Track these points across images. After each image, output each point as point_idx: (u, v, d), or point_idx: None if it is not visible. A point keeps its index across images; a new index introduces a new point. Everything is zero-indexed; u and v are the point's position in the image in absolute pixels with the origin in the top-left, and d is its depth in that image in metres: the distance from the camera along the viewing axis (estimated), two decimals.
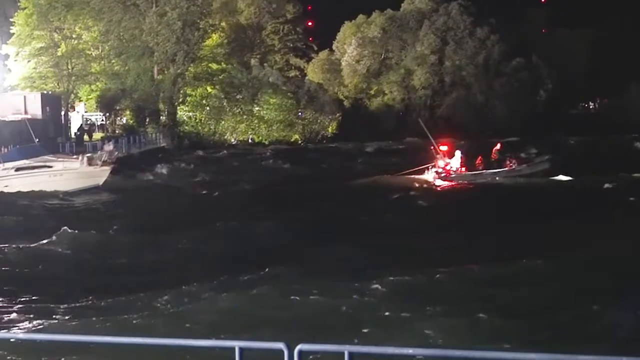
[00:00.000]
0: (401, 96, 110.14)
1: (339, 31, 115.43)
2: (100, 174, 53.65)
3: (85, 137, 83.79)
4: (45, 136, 73.12)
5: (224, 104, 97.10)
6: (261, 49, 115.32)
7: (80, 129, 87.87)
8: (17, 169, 52.19)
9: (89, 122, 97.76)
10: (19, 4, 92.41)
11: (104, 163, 55.08)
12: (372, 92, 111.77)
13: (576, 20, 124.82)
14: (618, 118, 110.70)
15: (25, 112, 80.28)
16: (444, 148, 57.35)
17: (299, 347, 8.53)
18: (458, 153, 56.87)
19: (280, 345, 8.60)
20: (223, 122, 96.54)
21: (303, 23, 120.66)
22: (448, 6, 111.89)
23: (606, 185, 50.40)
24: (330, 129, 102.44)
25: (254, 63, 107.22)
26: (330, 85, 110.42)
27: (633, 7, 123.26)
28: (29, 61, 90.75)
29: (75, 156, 57.99)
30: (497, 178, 54.97)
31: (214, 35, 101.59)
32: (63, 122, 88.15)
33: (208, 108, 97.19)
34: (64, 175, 52.73)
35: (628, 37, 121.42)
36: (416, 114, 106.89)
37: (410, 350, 9.23)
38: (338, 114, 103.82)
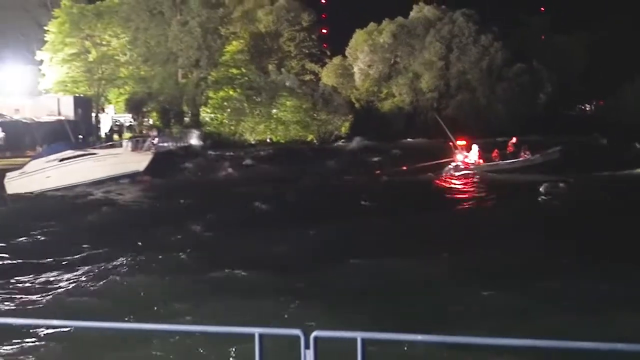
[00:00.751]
0: (410, 99, 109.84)
1: (351, 38, 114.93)
2: (143, 159, 53.38)
3: (115, 137, 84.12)
4: (77, 136, 73.54)
5: (244, 106, 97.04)
6: (278, 54, 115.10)
7: (110, 129, 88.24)
8: (62, 159, 52.10)
9: (117, 123, 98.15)
10: (52, 13, 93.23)
11: (148, 148, 55.07)
12: (382, 94, 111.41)
13: (573, 26, 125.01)
14: (612, 118, 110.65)
15: (59, 114, 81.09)
16: (462, 143, 57.86)
17: (314, 333, 8.49)
18: (475, 147, 57.51)
19: (297, 331, 8.54)
20: (243, 123, 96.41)
21: (317, 30, 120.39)
22: (453, 15, 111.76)
23: None
24: (343, 129, 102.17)
25: (271, 68, 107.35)
26: (343, 89, 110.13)
27: (626, 13, 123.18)
28: (61, 66, 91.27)
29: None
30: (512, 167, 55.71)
31: (234, 42, 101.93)
32: (94, 123, 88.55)
33: (229, 110, 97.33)
34: (108, 160, 52.59)
35: (622, 41, 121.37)
36: (424, 115, 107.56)
37: (419, 337, 9.19)
38: (350, 116, 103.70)
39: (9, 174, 52.00)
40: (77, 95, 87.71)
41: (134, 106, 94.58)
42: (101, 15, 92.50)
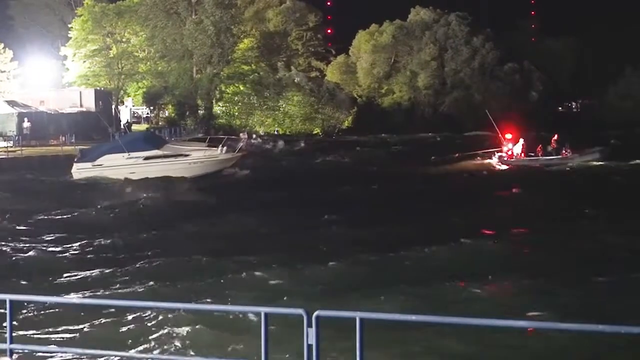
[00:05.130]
0: (408, 95, 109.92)
1: (354, 38, 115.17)
2: (234, 159, 52.38)
3: (133, 127, 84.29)
4: (98, 127, 73.40)
5: (254, 100, 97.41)
6: (287, 52, 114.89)
7: (127, 123, 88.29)
8: (146, 158, 50.46)
9: (135, 115, 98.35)
10: (76, 11, 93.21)
11: (240, 150, 54.60)
12: (383, 91, 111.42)
13: (561, 30, 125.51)
14: (597, 116, 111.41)
15: (81, 106, 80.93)
16: (509, 136, 58.37)
17: (316, 312, 8.57)
18: (521, 141, 57.96)
19: (300, 311, 8.65)
20: (253, 116, 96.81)
21: (323, 30, 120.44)
22: (448, 17, 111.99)
23: None
24: (346, 123, 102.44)
25: (280, 65, 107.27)
26: (347, 85, 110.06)
27: (611, 17, 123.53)
28: (84, 61, 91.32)
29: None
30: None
31: (245, 40, 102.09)
32: (113, 114, 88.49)
33: (240, 104, 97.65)
34: (203, 162, 51.39)
35: (607, 44, 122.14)
36: (421, 110, 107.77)
37: (413, 317, 9.50)
38: (353, 110, 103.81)
39: (77, 165, 50.10)
40: (98, 88, 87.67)
41: (151, 99, 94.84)
42: (121, 14, 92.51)
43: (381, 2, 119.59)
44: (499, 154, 57.91)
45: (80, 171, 49.42)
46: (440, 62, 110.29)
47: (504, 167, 56.47)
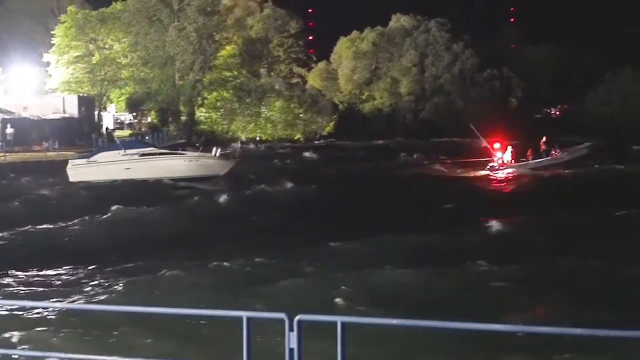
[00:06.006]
0: (389, 101, 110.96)
1: (335, 45, 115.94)
2: (227, 165, 53.28)
3: (116, 133, 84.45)
4: (81, 132, 73.54)
5: (236, 106, 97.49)
6: (268, 59, 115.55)
7: (107, 129, 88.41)
8: (142, 155, 51.77)
9: (118, 121, 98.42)
10: (59, 18, 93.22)
11: (233, 157, 55.29)
12: (364, 97, 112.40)
13: (541, 37, 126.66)
14: (575, 122, 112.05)
15: (64, 112, 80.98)
16: (497, 145, 58.97)
17: (298, 317, 8.50)
18: (509, 149, 58.65)
19: (282, 315, 8.54)
20: (235, 122, 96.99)
21: (304, 37, 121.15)
22: (428, 24, 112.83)
23: None
24: (327, 129, 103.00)
25: (262, 71, 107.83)
26: (328, 91, 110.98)
27: (589, 25, 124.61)
28: (67, 68, 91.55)
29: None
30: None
31: (227, 47, 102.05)
32: (96, 120, 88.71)
33: (222, 110, 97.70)
34: (199, 161, 52.63)
35: (585, 51, 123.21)
36: (402, 116, 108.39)
37: (394, 321, 9.26)
38: (334, 116, 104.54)
39: (72, 162, 51.34)
40: (81, 94, 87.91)
41: (134, 105, 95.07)
42: (104, 21, 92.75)
43: (362, 9, 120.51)
44: (491, 164, 58.21)
45: (75, 167, 50.29)
46: (421, 68, 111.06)
47: (499, 175, 56.71)
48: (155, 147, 56.95)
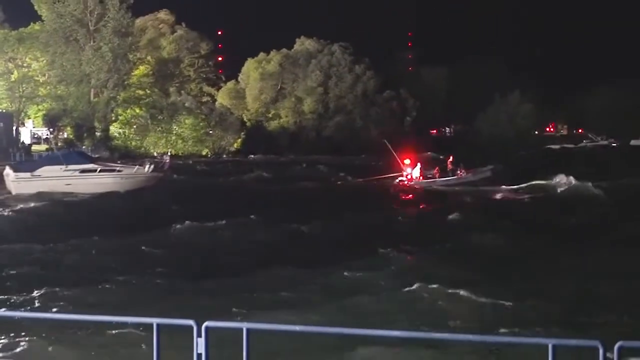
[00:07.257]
0: (294, 119, 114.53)
1: (243, 65, 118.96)
2: (156, 177, 55.64)
3: (33, 147, 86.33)
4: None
5: (148, 123, 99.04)
6: (180, 78, 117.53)
7: (23, 144, 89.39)
8: (83, 171, 53.09)
9: (36, 136, 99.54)
10: None
11: (163, 170, 58.06)
12: (270, 115, 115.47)
13: (435, 60, 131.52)
14: (468, 140, 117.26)
15: None
16: (407, 161, 59.58)
17: (205, 323, 8.66)
18: (419, 165, 59.56)
19: (190, 322, 8.67)
20: (147, 138, 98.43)
21: (214, 58, 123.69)
22: (331, 47, 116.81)
23: None
24: (235, 145, 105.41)
25: (173, 90, 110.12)
26: (236, 109, 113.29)
27: (480, 49, 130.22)
28: None
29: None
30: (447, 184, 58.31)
31: (141, 66, 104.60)
32: (14, 135, 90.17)
33: (135, 126, 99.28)
34: (135, 178, 54.32)
35: (477, 74, 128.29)
36: (305, 134, 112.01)
37: (297, 328, 9.62)
38: (242, 133, 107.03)
39: (17, 175, 52.28)
40: (0, 110, 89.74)
41: (51, 121, 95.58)
42: (23, 40, 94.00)
43: (269, 32, 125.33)
44: (399, 178, 59.07)
45: (19, 180, 51.68)
46: (325, 89, 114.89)
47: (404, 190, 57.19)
48: (94, 161, 58.12)
